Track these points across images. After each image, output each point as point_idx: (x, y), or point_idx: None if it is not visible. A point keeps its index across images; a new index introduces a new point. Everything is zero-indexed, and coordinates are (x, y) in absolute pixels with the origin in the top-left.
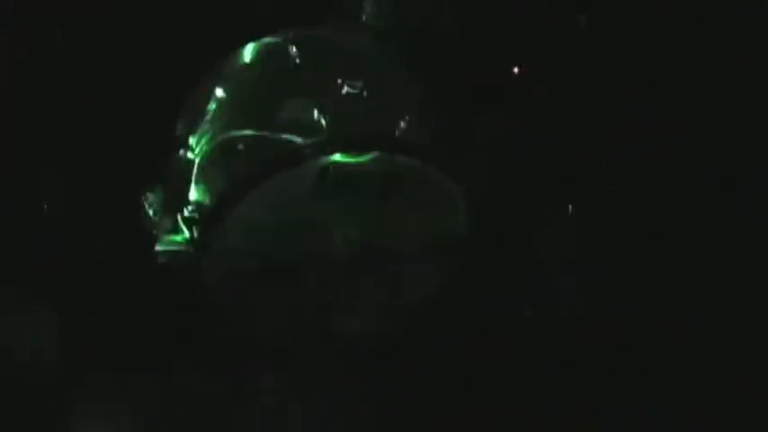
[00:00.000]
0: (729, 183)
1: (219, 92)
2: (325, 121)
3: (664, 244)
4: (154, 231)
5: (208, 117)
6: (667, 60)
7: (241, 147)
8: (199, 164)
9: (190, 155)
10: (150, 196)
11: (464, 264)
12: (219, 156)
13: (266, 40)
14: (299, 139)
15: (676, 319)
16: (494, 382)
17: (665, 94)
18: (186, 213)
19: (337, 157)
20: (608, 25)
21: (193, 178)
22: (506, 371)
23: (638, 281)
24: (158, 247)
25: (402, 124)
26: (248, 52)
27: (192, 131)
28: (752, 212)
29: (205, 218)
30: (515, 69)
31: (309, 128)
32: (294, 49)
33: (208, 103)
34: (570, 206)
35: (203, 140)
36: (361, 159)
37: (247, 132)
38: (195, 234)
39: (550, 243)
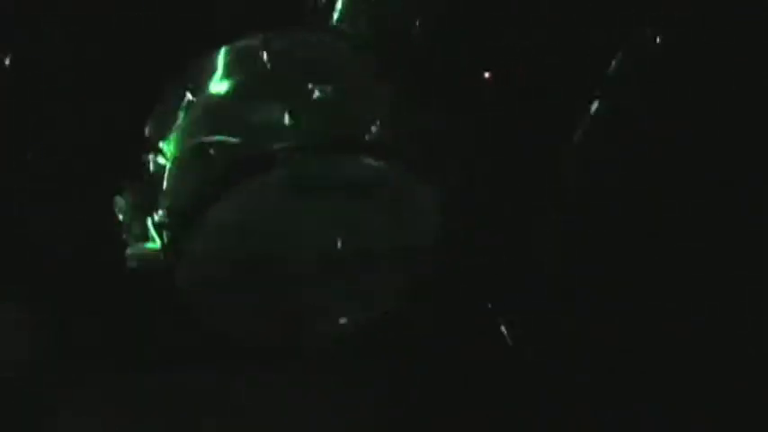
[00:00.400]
0: (729, 183)
1: (190, 96)
2: (297, 125)
3: (664, 244)
4: (124, 236)
5: (179, 121)
6: (667, 60)
7: (212, 151)
8: (170, 168)
9: (161, 159)
10: (120, 201)
11: (455, 264)
12: (191, 160)
13: (238, 43)
14: (270, 144)
15: (676, 319)
16: (494, 382)
17: (664, 94)
18: (157, 218)
19: (308, 161)
20: (607, 25)
21: (164, 183)
22: (506, 371)
23: (638, 281)
24: (128, 252)
25: (373, 128)
26: (220, 56)
27: (162, 136)
28: (752, 212)
29: (176, 223)
30: (486, 74)
31: (280, 132)
32: (265, 53)
33: (179, 107)
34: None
35: (174, 145)
36: (333, 163)
37: (219, 137)
38: (166, 239)
39: (550, 243)
